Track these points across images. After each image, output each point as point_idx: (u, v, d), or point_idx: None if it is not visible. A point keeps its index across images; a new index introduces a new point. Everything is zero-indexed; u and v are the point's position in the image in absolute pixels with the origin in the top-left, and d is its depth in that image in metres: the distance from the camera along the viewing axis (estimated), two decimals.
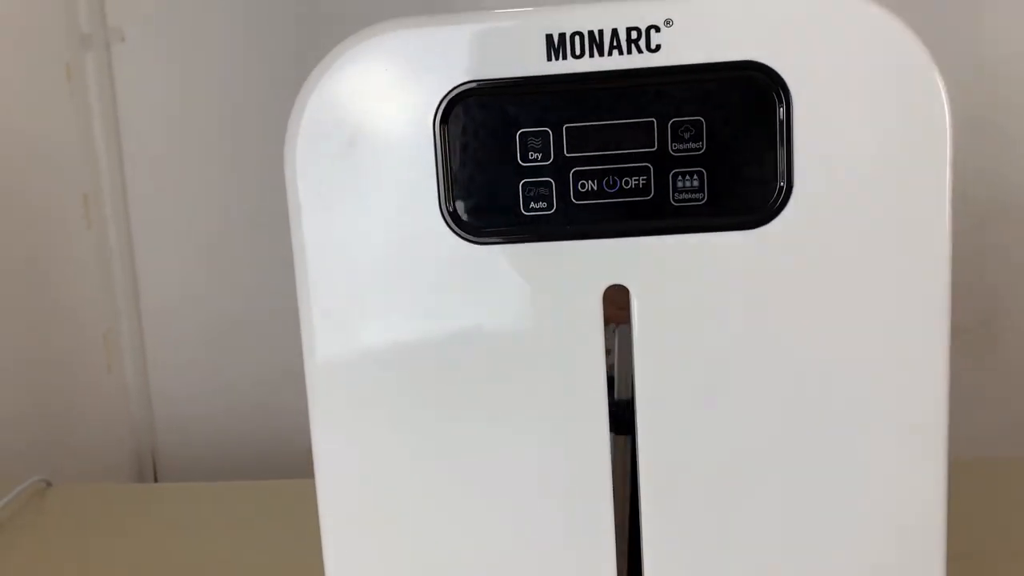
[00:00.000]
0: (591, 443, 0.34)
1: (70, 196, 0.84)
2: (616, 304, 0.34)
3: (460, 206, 0.33)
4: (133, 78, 0.84)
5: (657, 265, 0.33)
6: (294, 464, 0.84)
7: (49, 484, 0.68)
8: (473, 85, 0.32)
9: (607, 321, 0.35)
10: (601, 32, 0.32)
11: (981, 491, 0.61)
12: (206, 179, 0.85)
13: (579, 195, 0.33)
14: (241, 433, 0.89)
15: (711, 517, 0.35)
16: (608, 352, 0.36)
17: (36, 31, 0.79)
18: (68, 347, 0.83)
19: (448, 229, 0.33)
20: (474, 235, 0.33)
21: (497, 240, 0.33)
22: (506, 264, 0.33)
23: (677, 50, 0.32)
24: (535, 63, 0.32)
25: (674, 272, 0.33)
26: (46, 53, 0.80)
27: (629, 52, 0.32)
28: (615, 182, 0.32)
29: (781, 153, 0.32)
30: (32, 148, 0.79)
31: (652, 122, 0.32)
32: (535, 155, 0.32)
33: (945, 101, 0.32)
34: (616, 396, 0.37)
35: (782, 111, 0.32)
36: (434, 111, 0.33)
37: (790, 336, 0.33)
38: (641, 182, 0.32)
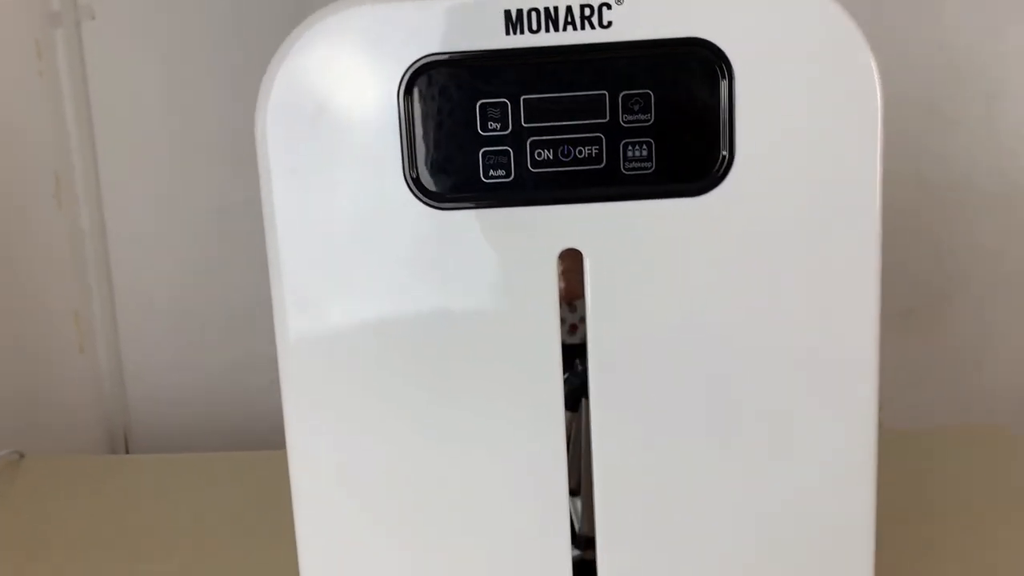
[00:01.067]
0: (549, 400, 0.37)
1: (41, 175, 0.84)
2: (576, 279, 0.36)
3: (423, 173, 0.35)
4: (104, 56, 0.84)
5: (608, 229, 0.35)
6: (265, 442, 0.85)
7: (22, 456, 0.69)
8: (435, 58, 0.34)
9: (570, 297, 0.37)
10: (556, 8, 0.34)
11: (923, 458, 0.64)
12: (178, 157, 0.85)
13: (536, 163, 0.35)
14: (213, 411, 0.90)
15: (661, 479, 0.37)
16: (574, 327, 0.38)
17: (5, 8, 0.79)
18: (39, 327, 0.83)
19: (412, 195, 0.35)
20: (437, 201, 0.35)
21: (458, 206, 0.35)
22: (467, 229, 0.35)
23: (628, 26, 0.34)
24: (494, 37, 0.34)
25: (624, 236, 0.35)
26: (15, 30, 0.80)
27: (583, 28, 0.34)
28: (569, 151, 0.34)
29: (724, 125, 0.34)
30: (1, 126, 0.79)
31: (604, 95, 0.34)
32: (494, 125, 0.34)
33: (877, 80, 0.34)
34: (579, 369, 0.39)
35: (725, 85, 0.34)
36: (398, 83, 0.34)
37: (731, 295, 0.36)
38: (594, 151, 0.34)
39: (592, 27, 0.34)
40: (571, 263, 0.36)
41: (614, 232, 0.35)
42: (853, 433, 0.37)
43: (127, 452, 0.90)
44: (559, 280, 0.36)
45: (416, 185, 0.35)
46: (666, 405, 0.37)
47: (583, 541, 0.39)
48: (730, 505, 0.38)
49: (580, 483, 0.40)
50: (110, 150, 0.86)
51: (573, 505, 0.43)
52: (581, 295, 0.36)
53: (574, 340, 0.38)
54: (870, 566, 0.38)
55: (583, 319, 0.38)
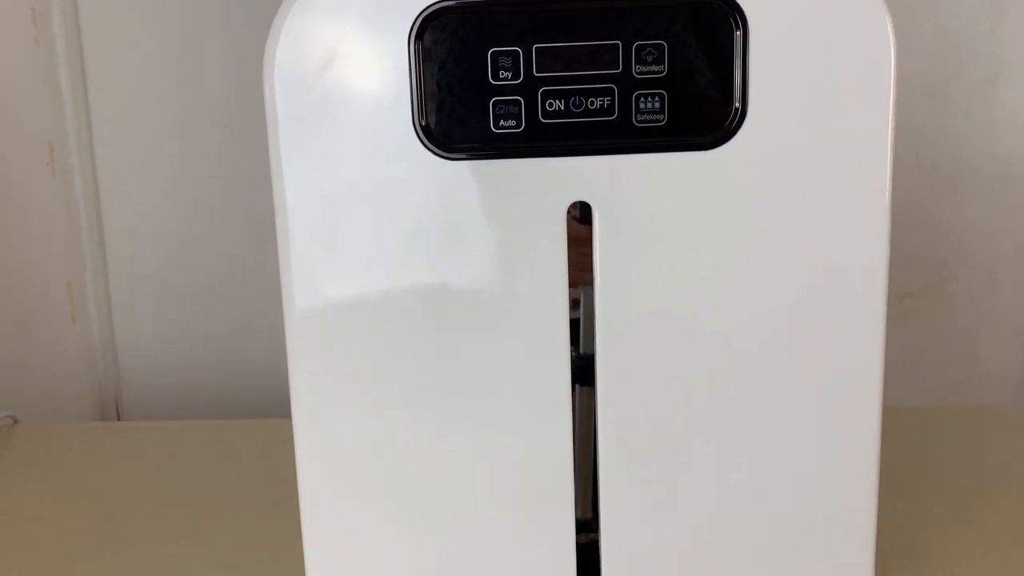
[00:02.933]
0: (557, 351, 0.36)
1: (35, 144, 0.83)
2: (580, 267, 0.36)
3: (432, 121, 0.35)
4: (100, 24, 0.84)
5: (619, 182, 0.35)
6: (256, 413, 0.85)
7: (16, 421, 0.68)
8: (447, 4, 0.34)
9: (573, 283, 0.36)
10: None
11: (923, 435, 0.65)
12: (173, 128, 0.85)
13: (547, 114, 0.34)
14: (204, 382, 0.90)
15: (665, 450, 0.37)
16: (576, 301, 0.38)
17: None
18: (32, 296, 0.83)
19: (421, 144, 0.35)
20: (445, 150, 0.35)
21: (467, 156, 0.35)
22: (476, 179, 0.35)
23: None
24: None
25: (635, 189, 0.35)
26: None
27: None
28: (581, 102, 0.34)
29: (737, 77, 0.34)
30: None
31: (617, 44, 0.34)
32: (506, 74, 0.34)
33: (891, 35, 0.34)
34: (582, 350, 0.39)
35: (739, 37, 0.34)
36: (409, 29, 0.34)
37: (741, 250, 0.35)
38: (606, 103, 0.34)
39: None
40: (578, 248, 0.36)
41: (624, 185, 0.35)
42: (858, 404, 0.37)
43: (118, 420, 0.90)
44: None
45: (425, 134, 0.35)
46: (673, 373, 0.36)
47: (579, 523, 0.39)
48: (732, 485, 0.38)
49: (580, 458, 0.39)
50: (105, 120, 0.86)
51: None
52: (586, 280, 0.36)
53: (575, 315, 0.38)
54: (871, 544, 0.39)
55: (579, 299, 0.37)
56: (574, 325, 0.37)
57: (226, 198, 0.85)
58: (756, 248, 0.35)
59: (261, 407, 0.86)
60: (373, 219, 0.36)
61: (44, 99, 0.83)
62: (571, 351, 0.37)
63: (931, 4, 0.81)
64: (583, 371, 0.37)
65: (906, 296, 0.87)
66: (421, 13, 0.34)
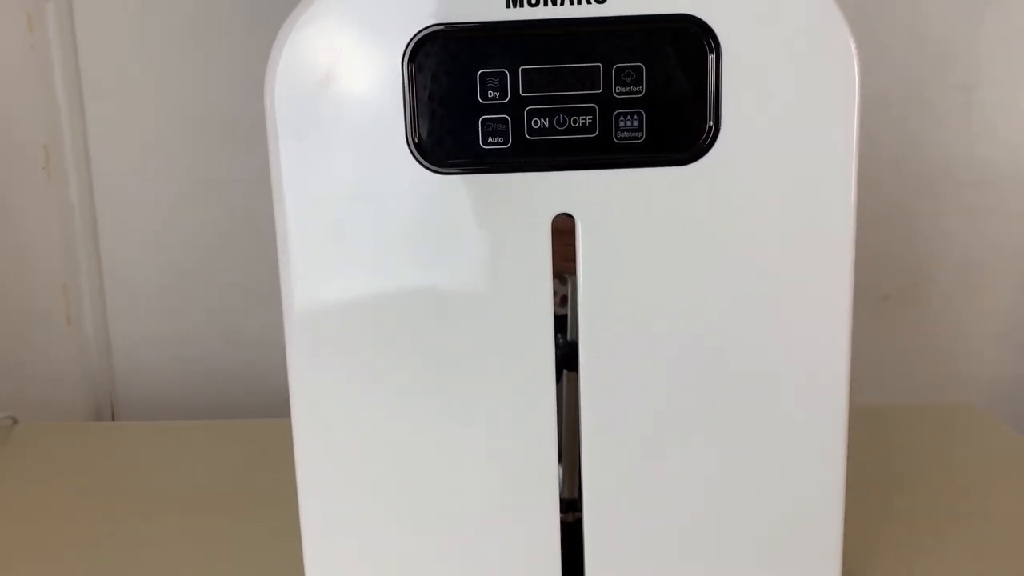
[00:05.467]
0: (542, 357, 0.38)
1: (30, 147, 0.84)
2: (566, 257, 0.38)
3: (425, 139, 0.37)
4: (95, 30, 0.85)
5: (600, 196, 0.37)
6: (251, 412, 0.86)
7: (15, 421, 0.70)
8: (439, 28, 0.36)
9: (560, 272, 0.38)
10: None
11: (897, 434, 0.67)
12: (168, 131, 0.86)
13: (532, 131, 0.36)
14: (198, 384, 0.91)
15: (644, 443, 0.39)
16: (564, 298, 0.40)
17: None
18: (27, 298, 0.84)
19: (414, 160, 0.37)
20: (437, 165, 0.37)
21: (458, 170, 0.37)
22: (466, 192, 0.37)
23: (622, 2, 0.36)
24: (496, 9, 0.36)
25: (615, 202, 0.37)
26: (6, 3, 0.81)
27: (579, 2, 0.35)
28: (564, 120, 0.36)
29: (711, 97, 0.36)
30: None
31: (598, 67, 0.36)
32: (494, 94, 0.36)
33: (855, 58, 0.37)
34: (569, 338, 0.41)
35: (712, 60, 0.36)
36: (402, 52, 0.36)
37: (715, 260, 0.38)
38: (587, 121, 0.36)
39: (588, 2, 0.35)
40: (563, 240, 0.38)
41: (606, 198, 0.37)
42: (825, 399, 0.40)
43: (112, 420, 0.91)
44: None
45: (418, 150, 0.37)
46: (651, 368, 0.39)
47: (564, 503, 0.41)
48: (706, 470, 0.40)
49: (561, 449, 0.42)
50: (100, 124, 0.87)
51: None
52: (571, 270, 0.38)
53: (563, 311, 0.40)
54: (839, 533, 0.41)
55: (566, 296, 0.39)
56: (561, 321, 0.39)
57: (221, 201, 0.86)
58: (729, 256, 0.38)
59: (255, 407, 0.87)
60: (369, 228, 0.38)
61: (39, 103, 0.84)
62: (559, 338, 0.39)
63: (909, 9, 0.83)
64: (569, 358, 0.40)
65: (885, 298, 0.89)
66: (414, 36, 0.36)
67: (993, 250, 0.88)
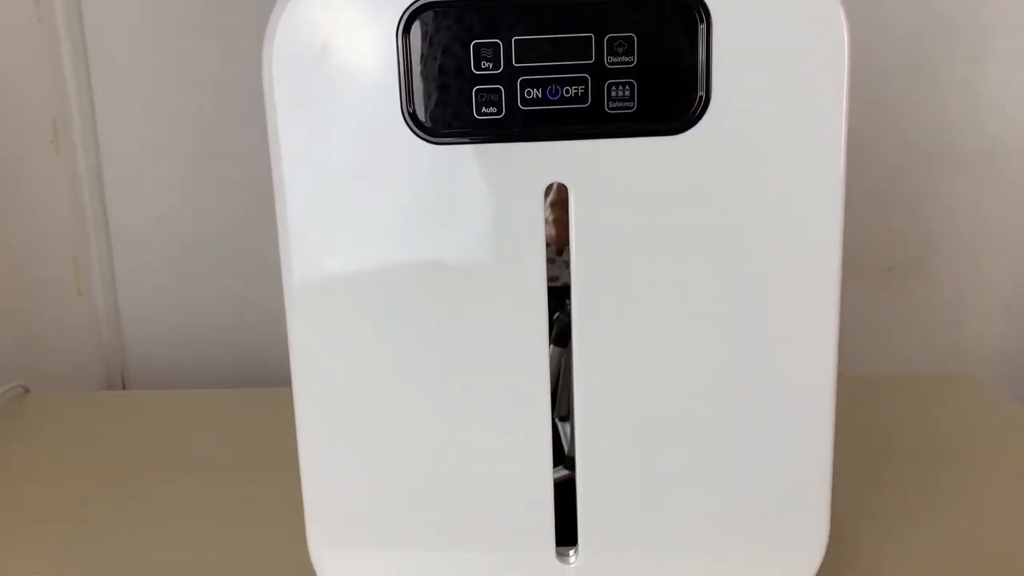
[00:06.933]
0: (536, 323, 0.39)
1: (39, 121, 0.85)
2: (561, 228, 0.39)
3: (420, 109, 0.37)
4: (101, 2, 0.85)
5: (592, 165, 0.37)
6: (258, 381, 0.87)
7: (27, 390, 0.71)
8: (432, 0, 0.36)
9: (556, 242, 0.39)
10: None
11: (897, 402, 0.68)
12: (175, 102, 0.87)
13: (525, 101, 0.37)
14: (207, 354, 0.92)
15: (637, 409, 0.40)
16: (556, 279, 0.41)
17: None
18: (38, 271, 0.85)
19: (409, 130, 0.37)
20: (432, 136, 0.37)
21: (452, 140, 0.37)
22: (460, 162, 0.38)
23: None
24: None
25: (607, 171, 0.37)
26: None
27: None
28: (557, 91, 0.37)
29: (701, 68, 0.36)
30: None
31: (590, 37, 0.36)
32: (487, 64, 0.37)
33: (845, 29, 0.37)
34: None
35: (703, 30, 0.36)
36: (397, 23, 0.37)
37: (705, 228, 0.38)
38: (580, 91, 0.37)
39: None
40: (560, 213, 0.39)
41: (598, 167, 0.37)
42: (814, 368, 0.40)
43: (124, 390, 0.92)
44: (549, 227, 0.39)
45: (413, 120, 0.37)
46: (644, 335, 0.39)
47: (571, 462, 0.42)
48: (697, 436, 0.41)
49: (570, 409, 0.43)
50: (107, 96, 0.87)
51: (564, 430, 0.46)
52: (566, 242, 0.39)
53: (555, 285, 0.41)
54: (826, 501, 0.42)
55: (566, 263, 0.40)
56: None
57: (228, 173, 0.87)
58: (720, 223, 0.38)
59: (262, 376, 0.89)
60: (366, 199, 0.38)
61: (47, 77, 0.85)
62: (567, 303, 0.40)
63: None
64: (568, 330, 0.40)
65: (889, 269, 0.89)
66: (408, 7, 0.36)
67: (998, 222, 0.88)
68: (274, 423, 0.61)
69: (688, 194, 0.38)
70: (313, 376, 0.41)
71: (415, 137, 0.37)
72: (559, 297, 0.40)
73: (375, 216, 0.39)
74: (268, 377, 0.87)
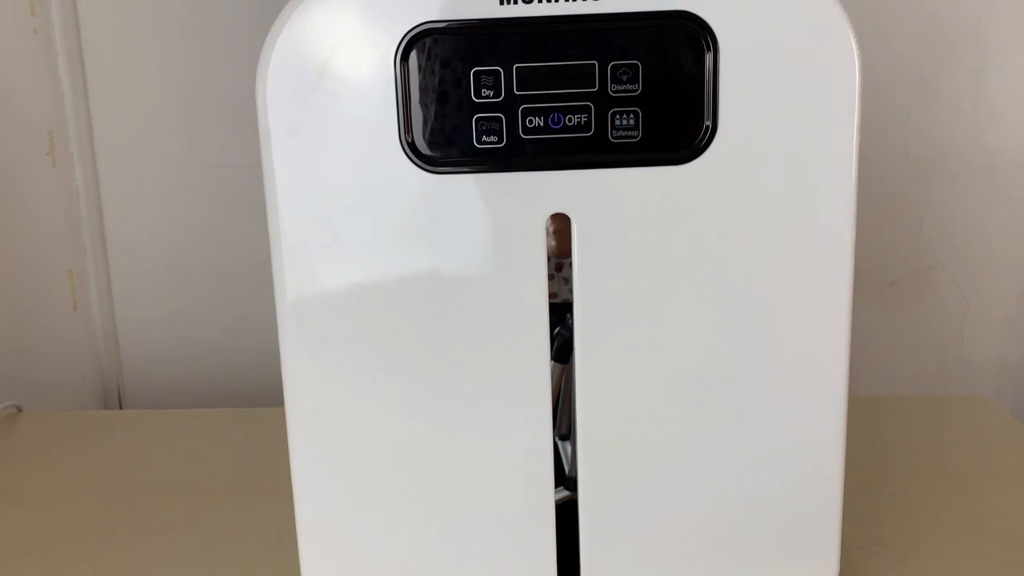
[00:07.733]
0: (536, 353, 0.38)
1: (35, 133, 0.84)
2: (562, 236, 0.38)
3: (418, 138, 0.36)
4: (98, 13, 0.84)
5: (596, 195, 0.36)
6: (255, 400, 0.87)
7: (20, 409, 0.70)
8: (432, 26, 0.35)
9: (556, 254, 0.38)
10: None
11: (900, 424, 0.67)
12: (172, 116, 0.86)
13: (527, 130, 0.36)
14: (204, 369, 0.92)
15: (640, 431, 0.39)
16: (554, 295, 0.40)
17: None
18: (33, 284, 0.84)
19: (407, 159, 0.36)
20: (431, 165, 0.36)
21: (451, 170, 0.36)
22: (460, 192, 0.37)
23: None
24: (489, 7, 0.35)
25: (611, 201, 0.36)
26: None
27: None
28: (559, 119, 0.36)
29: (708, 96, 0.35)
30: None
31: (594, 64, 0.35)
32: (487, 92, 0.36)
33: (856, 55, 0.36)
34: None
35: (709, 58, 0.35)
36: (395, 50, 0.36)
37: (711, 260, 0.37)
38: (583, 119, 0.36)
39: None
40: (561, 224, 0.38)
41: (601, 197, 0.36)
42: (824, 393, 0.39)
43: (120, 407, 0.91)
44: (550, 238, 0.38)
45: (411, 149, 0.36)
46: (646, 361, 0.38)
47: (573, 483, 0.41)
48: (703, 459, 0.40)
49: (571, 429, 0.42)
50: (104, 108, 0.87)
51: (564, 449, 0.45)
52: (569, 253, 0.38)
53: (555, 301, 0.40)
54: (837, 520, 0.41)
55: (565, 280, 0.39)
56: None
57: (226, 186, 0.87)
58: (726, 254, 0.37)
59: (261, 395, 0.88)
60: (361, 225, 0.37)
61: (43, 88, 0.84)
62: (569, 318, 0.39)
63: None
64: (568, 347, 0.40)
65: (893, 283, 0.89)
66: (407, 34, 0.35)
67: (1001, 235, 0.87)
68: (273, 444, 0.60)
69: (694, 225, 0.37)
70: (305, 401, 0.40)
71: (413, 166, 0.36)
72: (558, 312, 0.39)
73: (371, 242, 0.38)
74: (266, 389, 0.86)
